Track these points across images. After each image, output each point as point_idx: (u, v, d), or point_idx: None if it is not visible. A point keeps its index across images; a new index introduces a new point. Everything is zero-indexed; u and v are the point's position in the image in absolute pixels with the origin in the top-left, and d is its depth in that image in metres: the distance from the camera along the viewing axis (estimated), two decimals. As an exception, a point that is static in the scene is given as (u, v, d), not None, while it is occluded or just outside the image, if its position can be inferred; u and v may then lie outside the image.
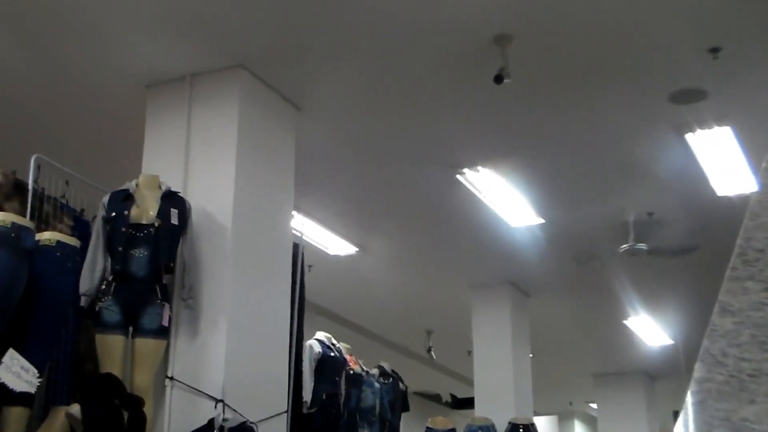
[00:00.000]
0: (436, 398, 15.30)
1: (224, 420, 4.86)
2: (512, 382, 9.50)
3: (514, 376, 9.54)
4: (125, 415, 4.42)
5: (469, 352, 12.10)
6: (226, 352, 5.00)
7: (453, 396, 15.58)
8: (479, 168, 7.03)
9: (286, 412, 5.42)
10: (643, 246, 7.81)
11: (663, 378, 13.83)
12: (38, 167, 4.99)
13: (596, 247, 8.13)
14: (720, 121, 6.10)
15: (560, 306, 10.75)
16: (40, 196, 4.96)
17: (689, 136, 6.36)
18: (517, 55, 5.40)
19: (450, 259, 9.23)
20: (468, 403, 15.68)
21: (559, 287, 10.11)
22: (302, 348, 6.11)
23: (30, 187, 4.90)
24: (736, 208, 7.43)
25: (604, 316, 11.09)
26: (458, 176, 7.12)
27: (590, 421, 17.17)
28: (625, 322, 11.15)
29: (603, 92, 6.00)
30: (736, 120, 6.09)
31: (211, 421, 4.85)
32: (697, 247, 7.95)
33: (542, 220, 8.02)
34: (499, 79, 5.27)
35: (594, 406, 15.91)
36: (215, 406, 4.89)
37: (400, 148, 6.81)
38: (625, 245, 7.81)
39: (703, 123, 6.13)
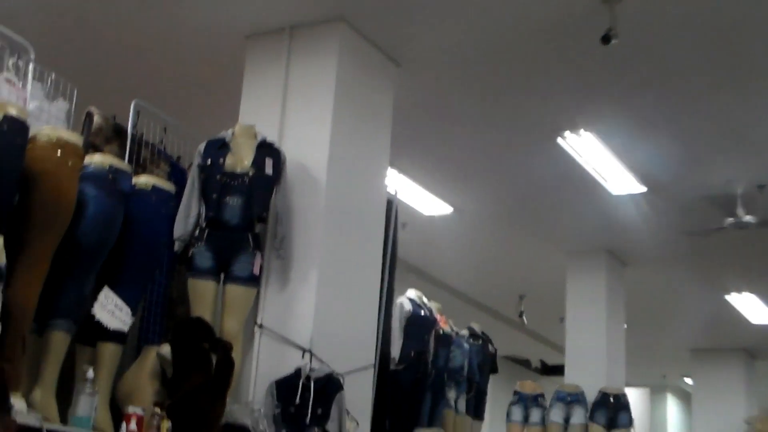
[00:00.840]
0: (525, 363, 15.16)
1: (311, 370, 4.87)
2: (605, 351, 9.29)
3: (607, 345, 9.33)
4: (214, 358, 4.46)
5: (561, 319, 11.91)
6: (316, 303, 5.00)
7: (542, 362, 15.41)
8: (581, 132, 6.82)
9: (373, 366, 5.41)
10: (751, 219, 7.48)
11: (764, 357, 13.37)
12: (138, 113, 5.04)
13: (701, 218, 7.84)
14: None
15: (658, 277, 10.45)
16: (138, 141, 5.02)
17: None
18: (626, 15, 5.18)
19: (546, 224, 9.04)
20: (557, 370, 15.48)
21: (657, 258, 9.81)
22: (392, 304, 6.08)
23: (129, 131, 4.96)
24: None
25: (705, 290, 10.75)
26: (559, 140, 6.93)
27: (684, 396, 16.76)
28: (726, 297, 10.78)
29: (717, 55, 5.72)
30: None
31: (298, 370, 4.87)
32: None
33: (644, 189, 7.76)
34: (606, 39, 5.07)
35: (689, 381, 15.52)
36: (302, 356, 4.91)
37: (500, 109, 6.66)
38: (731, 218, 7.50)
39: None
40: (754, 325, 11.79)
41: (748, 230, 7.81)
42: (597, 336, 9.36)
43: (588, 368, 9.26)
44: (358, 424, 5.12)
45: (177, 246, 4.82)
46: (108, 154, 4.58)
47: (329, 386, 4.86)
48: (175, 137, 5.28)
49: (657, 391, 15.95)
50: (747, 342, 12.97)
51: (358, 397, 5.16)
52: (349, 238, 5.34)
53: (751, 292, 10.62)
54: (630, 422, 8.74)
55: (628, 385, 9.47)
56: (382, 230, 5.68)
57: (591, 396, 8.85)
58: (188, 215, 4.88)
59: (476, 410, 8.67)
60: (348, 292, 5.28)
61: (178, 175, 5.13)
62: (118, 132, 4.95)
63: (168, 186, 4.68)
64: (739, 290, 10.61)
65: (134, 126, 4.99)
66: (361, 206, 5.49)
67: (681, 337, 13.26)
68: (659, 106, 6.43)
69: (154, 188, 4.56)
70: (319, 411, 4.80)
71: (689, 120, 6.61)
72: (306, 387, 4.84)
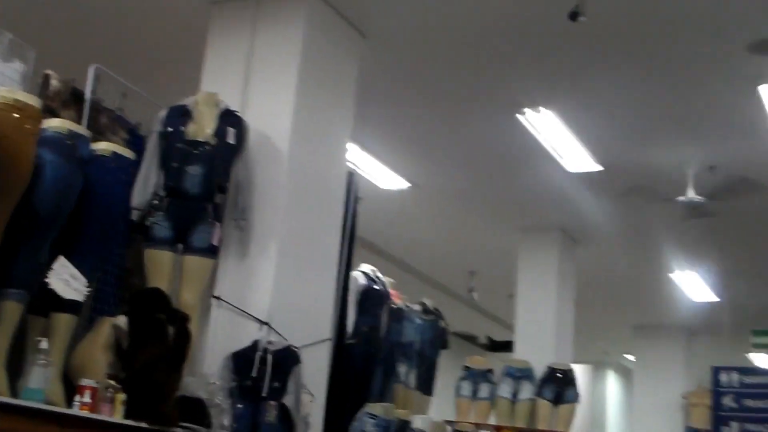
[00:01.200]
0: (471, 339, 15.25)
1: (269, 343, 4.80)
2: (554, 328, 9.38)
3: (556, 322, 9.41)
4: (170, 330, 4.36)
5: (510, 296, 12.00)
6: (275, 276, 4.92)
7: (489, 338, 15.51)
8: (540, 109, 6.81)
9: (330, 339, 5.35)
10: (701, 199, 7.56)
11: (703, 334, 13.59)
12: (97, 78, 4.87)
13: (653, 198, 7.89)
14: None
15: (607, 255, 10.55)
16: (96, 107, 4.85)
17: (763, 88, 6.08)
18: (591, -6, 5.15)
19: (501, 200, 9.05)
20: (504, 347, 15.62)
21: (608, 237, 9.90)
22: (350, 279, 6.01)
23: (87, 97, 4.80)
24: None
25: (651, 269, 10.89)
26: (518, 116, 6.91)
27: (625, 372, 17.03)
28: (671, 275, 10.94)
29: (678, 39, 5.73)
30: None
31: (255, 343, 4.80)
32: (755, 203, 7.69)
33: (600, 168, 7.79)
34: (574, 16, 5.03)
35: (630, 357, 15.77)
36: (260, 329, 4.83)
37: (461, 85, 6.60)
38: (682, 197, 7.57)
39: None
40: (695, 303, 12.00)
41: (697, 210, 7.90)
42: (547, 313, 9.43)
43: (537, 344, 9.34)
44: (313, 397, 5.06)
45: (135, 215, 4.69)
46: (66, 119, 4.42)
47: (287, 359, 4.79)
48: (134, 104, 5.12)
49: (598, 368, 16.17)
50: (687, 319, 13.19)
51: (315, 371, 5.10)
52: (309, 210, 5.26)
53: (694, 270, 10.78)
54: (576, 397, 8.84)
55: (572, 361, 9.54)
56: (342, 204, 5.59)
57: (539, 372, 8.92)
58: (147, 184, 4.74)
59: (426, 385, 8.68)
60: (307, 265, 5.20)
61: (137, 143, 4.98)
62: (76, 97, 4.78)
63: (128, 153, 4.54)
64: (682, 268, 10.76)
65: (93, 91, 4.82)
66: (323, 179, 5.40)
67: (624, 315, 13.44)
68: (617, 86, 6.45)
69: (114, 155, 4.42)
70: (276, 384, 4.73)
71: (645, 101, 6.64)
72: (263, 360, 4.76)
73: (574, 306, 9.91)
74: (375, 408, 7.17)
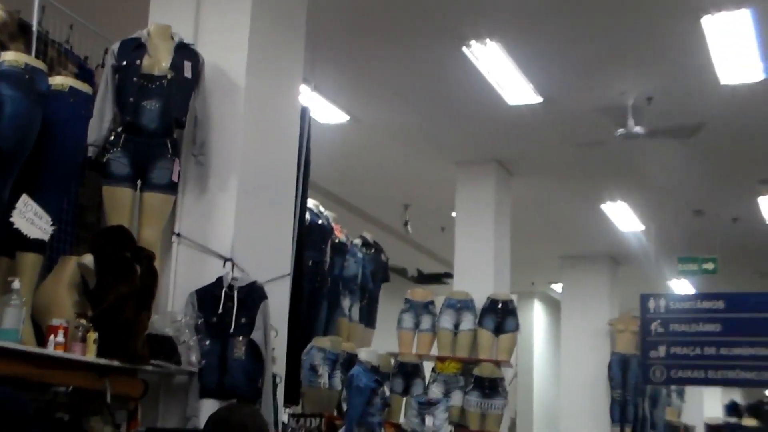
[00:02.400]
0: (401, 272, 15.41)
1: (233, 279, 4.80)
2: (492, 259, 9.57)
3: (494, 253, 9.60)
4: (137, 268, 4.33)
5: (443, 228, 12.20)
6: (236, 211, 4.90)
7: (419, 271, 15.71)
8: (486, 41, 6.85)
9: (290, 275, 5.38)
10: (639, 130, 7.75)
11: (629, 263, 14.02)
12: (42, 8, 4.73)
13: (591, 130, 8.06)
14: (740, 3, 5.96)
15: (541, 187, 10.77)
16: (44, 40, 4.71)
17: (705, 20, 6.23)
18: None
19: (440, 134, 9.13)
20: (433, 279, 15.89)
21: (543, 168, 10.10)
22: (305, 213, 6.02)
23: (34, 29, 4.65)
24: (737, 97, 7.40)
25: (582, 200, 11.16)
26: (464, 48, 6.94)
27: (551, 302, 17.49)
28: (602, 206, 11.23)
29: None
30: (758, 2, 5.96)
31: (220, 280, 4.79)
32: (695, 131, 7.93)
33: (540, 99, 7.91)
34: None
35: (556, 287, 16.18)
36: (223, 265, 4.82)
37: (408, 17, 6.58)
38: (622, 129, 7.75)
39: (722, 5, 5.99)
40: (622, 233, 12.35)
41: (635, 141, 8.11)
42: (485, 244, 9.60)
43: (476, 276, 9.52)
44: (277, 332, 5.10)
45: (91, 151, 4.59)
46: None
47: (252, 295, 4.79)
48: (81, 36, 4.98)
49: (524, 298, 16.51)
50: (613, 249, 13.59)
51: (277, 306, 5.10)
52: (267, 144, 5.22)
53: (624, 201, 11.08)
54: (516, 327, 9.06)
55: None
56: (297, 138, 5.57)
57: (479, 302, 9.09)
58: (102, 119, 4.64)
59: (368, 318, 8.81)
60: (267, 199, 5.19)
61: (86, 77, 4.85)
62: (23, 29, 4.62)
63: (85, 87, 4.43)
64: (613, 199, 11.05)
65: (39, 23, 4.67)
66: (278, 114, 5.36)
67: (553, 246, 13.75)
68: (560, 18, 6.52)
69: (72, 89, 4.32)
70: (243, 320, 4.74)
71: (588, 33, 6.74)
72: (229, 296, 4.76)
73: (510, 237, 10.11)
74: (323, 342, 7.29)
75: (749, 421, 19.54)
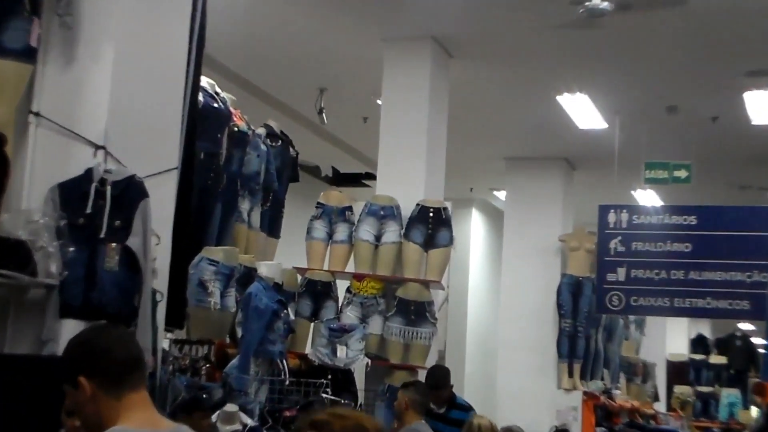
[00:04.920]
0: (313, 171, 15.41)
1: (106, 171, 4.77)
2: (423, 158, 9.61)
3: (427, 151, 9.64)
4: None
5: (366, 119, 12.19)
6: (111, 88, 4.88)
7: (334, 169, 15.74)
8: None
9: (177, 169, 5.36)
10: (607, 6, 7.80)
11: (586, 167, 14.26)
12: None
13: (549, 5, 8.07)
14: None
15: (486, 73, 10.80)
16: None
17: None
18: None
19: (364, 4, 9.05)
20: (351, 180, 15.95)
21: (490, 51, 10.11)
22: (197, 96, 5.97)
23: None
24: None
25: (535, 90, 11.24)
26: None
27: (492, 213, 17.73)
28: (558, 98, 11.33)
29: None
30: None
31: (89, 172, 4.77)
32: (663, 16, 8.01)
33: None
34: None
35: (499, 195, 16.40)
36: (94, 154, 4.80)
37: None
38: (587, 3, 7.79)
39: None
40: (580, 131, 12.51)
41: (600, 20, 8.16)
42: (415, 139, 9.64)
43: (403, 178, 9.57)
44: (159, 239, 5.10)
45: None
46: None
47: (130, 192, 4.79)
48: None
49: (460, 206, 16.71)
50: (569, 150, 13.78)
51: (159, 207, 5.11)
52: (152, 9, 5.16)
53: (585, 92, 11.20)
54: (450, 240, 9.19)
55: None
56: (189, 6, 5.50)
57: (407, 210, 9.17)
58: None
59: (271, 225, 8.87)
60: (150, 75, 5.16)
61: None
62: None
63: None
64: (572, 90, 11.16)
65: None
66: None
67: (497, 144, 13.88)
68: None
69: None
70: (118, 223, 4.74)
71: None
72: (100, 193, 4.75)
73: (446, 132, 10.16)
74: (215, 252, 7.32)
75: (717, 358, 20.34)
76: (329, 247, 9.16)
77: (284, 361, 7.18)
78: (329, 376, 7.58)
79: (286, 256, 8.76)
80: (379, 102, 10.11)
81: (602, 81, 10.89)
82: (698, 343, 21.46)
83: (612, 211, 11.59)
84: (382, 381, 8.60)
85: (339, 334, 8.17)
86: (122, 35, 4.94)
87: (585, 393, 13.03)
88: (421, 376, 8.38)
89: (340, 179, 15.75)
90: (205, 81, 7.33)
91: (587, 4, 7.85)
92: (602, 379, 13.94)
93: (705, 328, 23.55)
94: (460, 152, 12.81)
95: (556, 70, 10.55)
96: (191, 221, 6.22)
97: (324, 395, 7.06)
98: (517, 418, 8.82)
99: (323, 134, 13.15)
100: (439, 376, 8.28)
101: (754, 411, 16.13)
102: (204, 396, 5.98)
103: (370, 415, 7.38)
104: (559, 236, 13.71)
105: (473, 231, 17.38)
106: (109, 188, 4.74)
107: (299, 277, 8.78)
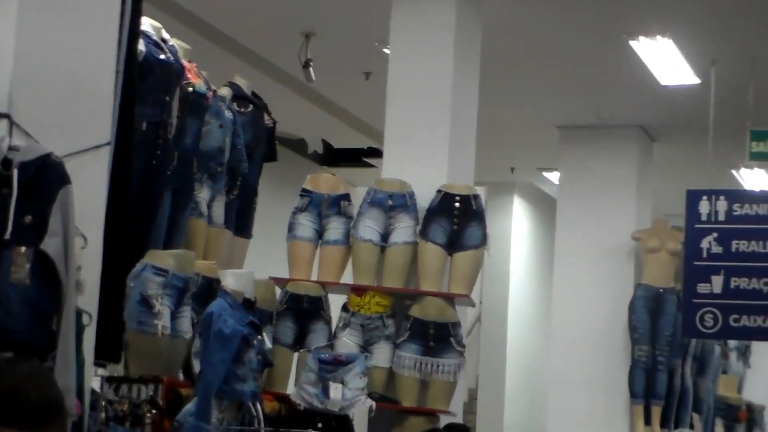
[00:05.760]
0: (297, 146, 15.46)
1: (12, 148, 4.79)
2: (447, 128, 9.60)
3: (452, 118, 9.63)
4: None
5: (368, 75, 12.19)
6: (17, 33, 4.93)
7: (326, 144, 15.80)
8: None
9: (109, 144, 5.38)
10: None
11: (670, 138, 14.27)
12: None
13: None
14: None
15: (531, 8, 10.81)
16: None
17: None
18: None
19: None
20: (348, 158, 16.00)
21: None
22: (136, 46, 6.01)
23: None
24: None
25: (602, 33, 11.27)
26: None
27: (539, 200, 17.75)
28: (633, 44, 11.33)
29: None
30: None
31: (-9, 150, 4.79)
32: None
33: None
34: None
35: (550, 177, 16.40)
36: (-6, 125, 4.84)
37: None
38: None
39: None
40: (663, 88, 12.50)
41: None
42: (436, 102, 9.62)
43: (419, 154, 9.56)
44: (86, 240, 5.12)
45: None
46: None
47: (45, 177, 4.83)
48: None
49: (499, 193, 16.72)
50: (647, 115, 13.79)
51: (86, 197, 5.15)
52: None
53: (669, 36, 11.18)
54: (484, 239, 9.13)
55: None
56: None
57: (424, 199, 9.16)
58: None
59: (240, 221, 8.88)
60: (71, 16, 5.22)
61: None
62: None
63: None
64: (651, 33, 11.15)
65: None
66: None
67: (547, 109, 13.90)
68: None
69: None
70: (28, 219, 4.77)
71: None
72: (3, 178, 4.77)
73: (478, 91, 10.16)
74: (162, 258, 7.33)
75: None
76: (319, 250, 9.15)
77: (258, 405, 7.19)
78: (320, 425, 7.59)
79: (261, 263, 8.78)
80: (386, 51, 10.10)
81: (693, 20, 10.88)
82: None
83: (705, 197, 11.52)
84: (390, 431, 8.60)
85: (332, 367, 8.18)
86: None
87: (669, 446, 13.06)
88: (444, 423, 8.40)
89: (334, 157, 15.82)
90: (147, 24, 7.36)
91: None
92: (692, 426, 13.92)
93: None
94: (498, 119, 12.85)
95: (630, 6, 10.53)
96: (130, 216, 6.25)
97: (313, 451, 7.09)
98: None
99: (310, 96, 13.18)
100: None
101: None
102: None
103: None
104: (632, 233, 13.72)
105: (515, 226, 17.45)
106: (15, 172, 4.76)
107: (278, 291, 8.78)
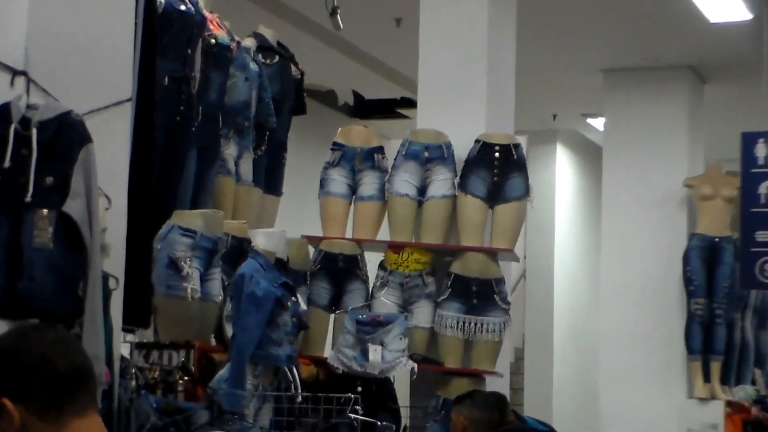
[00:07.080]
0: (327, 98, 15.47)
1: (30, 107, 4.83)
2: (485, 73, 9.60)
3: (489, 63, 9.63)
4: None
5: (399, 21, 12.17)
6: None
7: (357, 95, 15.78)
8: None
9: (131, 100, 5.41)
10: None
11: (722, 79, 14.19)
12: None
13: None
14: None
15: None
16: None
17: None
18: None
19: None
20: (380, 109, 15.99)
21: None
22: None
23: None
24: None
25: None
26: None
27: (584, 148, 17.70)
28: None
29: None
30: None
31: (7, 107, 4.84)
32: None
33: None
34: None
35: (595, 123, 16.37)
36: (11, 83, 4.89)
37: None
38: None
39: None
40: (713, 26, 12.45)
41: None
42: (473, 46, 9.62)
43: (455, 104, 9.57)
44: (110, 201, 5.17)
45: None
46: None
47: (65, 136, 4.87)
48: None
49: (539, 140, 16.68)
50: (696, 54, 13.70)
51: (109, 156, 5.19)
52: None
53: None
54: (527, 191, 9.13)
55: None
56: None
57: (462, 149, 9.17)
58: None
59: (270, 178, 8.91)
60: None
61: None
62: None
63: None
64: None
65: None
66: None
67: (590, 51, 13.85)
68: None
69: None
70: (49, 180, 4.81)
71: None
72: (22, 138, 4.81)
73: (516, 35, 10.15)
74: (190, 218, 7.37)
75: None
76: (353, 206, 9.18)
77: (295, 370, 7.23)
78: (359, 389, 7.63)
79: (292, 221, 8.82)
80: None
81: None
82: None
83: (761, 140, 11.49)
84: (434, 393, 8.64)
85: (371, 329, 8.21)
86: None
87: (729, 404, 13.00)
88: (490, 385, 8.43)
89: (365, 109, 15.81)
90: (167, -28, 7.39)
91: None
92: (753, 383, 13.88)
93: None
94: (537, 63, 12.83)
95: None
96: (154, 175, 6.29)
97: (353, 416, 7.12)
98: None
99: (339, 45, 13.18)
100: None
101: None
102: (182, 422, 6.05)
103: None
104: (684, 180, 13.66)
105: (559, 176, 17.40)
106: (34, 131, 4.80)
107: (312, 250, 8.82)
